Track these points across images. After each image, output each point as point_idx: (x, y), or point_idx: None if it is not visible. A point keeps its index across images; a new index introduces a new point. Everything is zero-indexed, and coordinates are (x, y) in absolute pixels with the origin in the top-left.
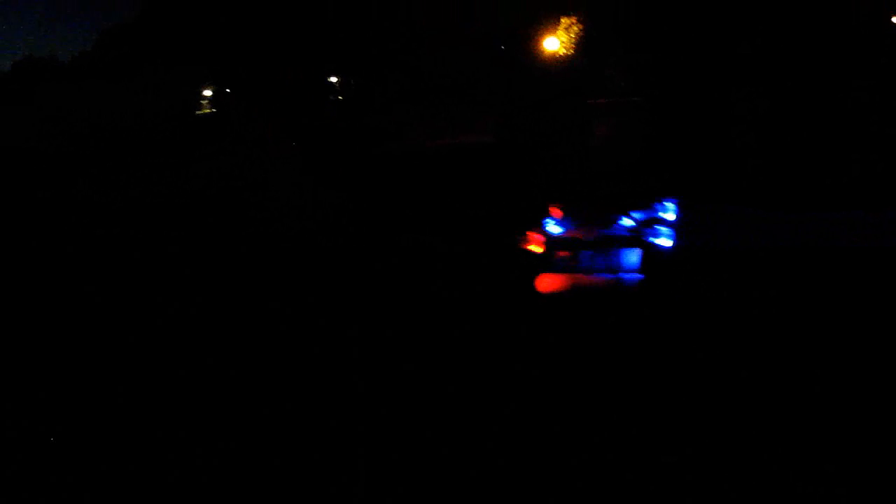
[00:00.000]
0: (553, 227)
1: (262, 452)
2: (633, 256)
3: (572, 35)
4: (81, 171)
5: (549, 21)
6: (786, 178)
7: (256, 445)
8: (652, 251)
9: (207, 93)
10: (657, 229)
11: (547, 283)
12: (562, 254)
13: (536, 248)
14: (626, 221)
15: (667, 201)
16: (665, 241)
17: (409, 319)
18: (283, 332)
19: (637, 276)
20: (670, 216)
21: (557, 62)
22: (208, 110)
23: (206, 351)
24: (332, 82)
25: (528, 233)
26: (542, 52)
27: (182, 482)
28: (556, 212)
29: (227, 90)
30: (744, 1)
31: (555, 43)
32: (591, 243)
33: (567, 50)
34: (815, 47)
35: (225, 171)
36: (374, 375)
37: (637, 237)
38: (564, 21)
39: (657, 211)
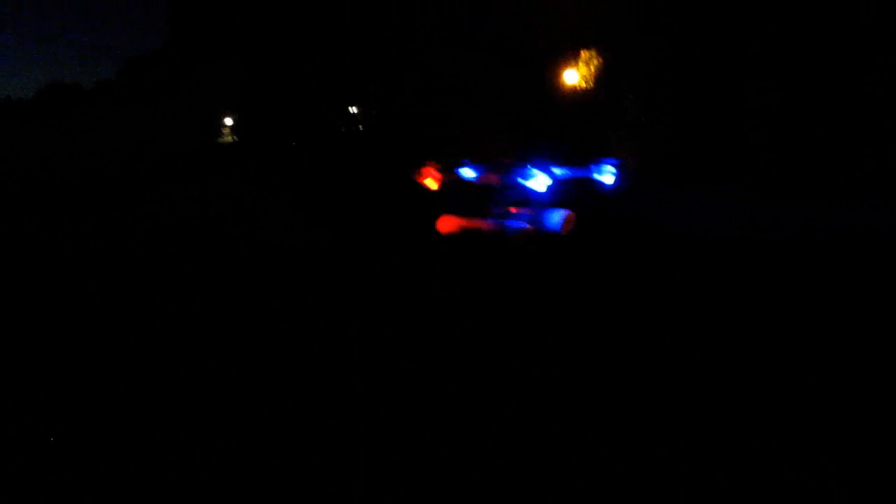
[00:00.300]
0: (467, 171)
1: (263, 452)
2: (526, 207)
3: (592, 67)
4: (83, 201)
5: (570, 53)
6: (799, 171)
7: (256, 445)
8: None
9: (229, 121)
10: (529, 172)
11: (446, 224)
12: (460, 195)
13: (431, 184)
14: (529, 170)
15: (606, 162)
16: (537, 185)
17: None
18: (282, 332)
19: (520, 224)
20: (607, 178)
21: (578, 92)
22: (230, 138)
23: (206, 351)
24: (353, 113)
25: (423, 168)
26: (564, 83)
27: (182, 482)
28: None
29: (247, 119)
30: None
31: (575, 75)
32: (487, 189)
33: (587, 82)
34: (827, 42)
35: (230, 207)
36: (374, 375)
37: (514, 183)
38: (584, 54)
39: (592, 172)
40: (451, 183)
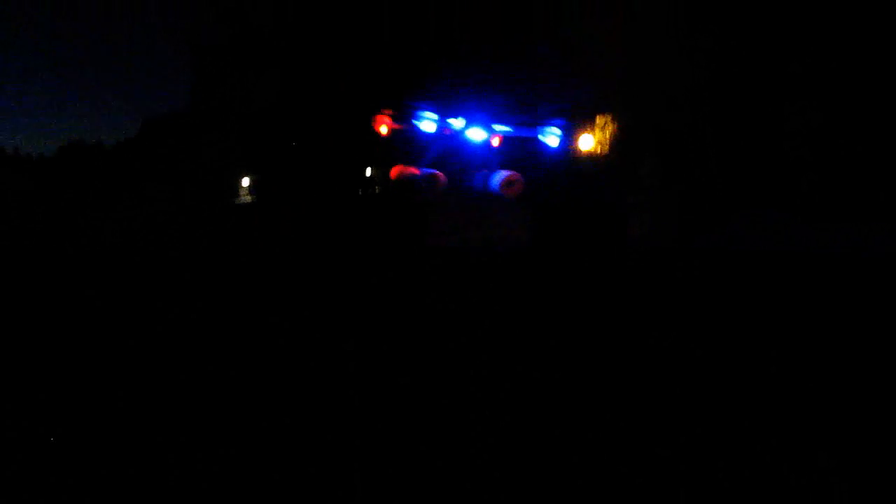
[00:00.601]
0: (426, 125)
1: (260, 464)
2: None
3: (607, 133)
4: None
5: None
6: (841, 190)
7: (254, 458)
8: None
9: (246, 181)
10: (419, 114)
11: (393, 171)
12: (410, 144)
13: (383, 130)
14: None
15: (552, 123)
16: (427, 127)
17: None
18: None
19: (430, 171)
20: (552, 140)
21: (593, 157)
22: (248, 198)
23: (205, 362)
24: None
25: (377, 115)
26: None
27: (181, 487)
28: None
29: (265, 180)
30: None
31: (591, 140)
32: (432, 140)
33: (602, 147)
34: (869, 59)
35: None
36: (370, 389)
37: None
38: (600, 120)
39: (537, 132)
40: (404, 132)
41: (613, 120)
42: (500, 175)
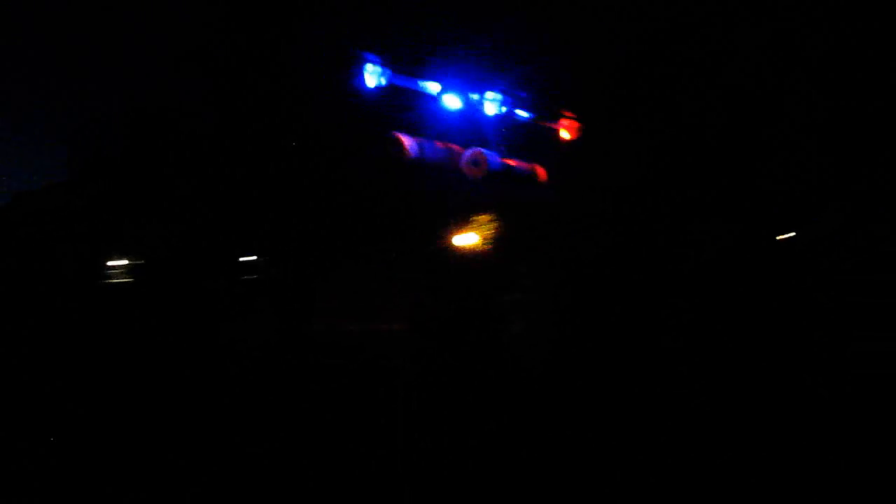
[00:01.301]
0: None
1: (262, 469)
2: None
3: (488, 231)
4: None
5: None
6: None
7: (256, 463)
8: None
9: (123, 262)
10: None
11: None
12: None
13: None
14: None
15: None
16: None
17: None
18: None
19: None
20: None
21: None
22: (123, 280)
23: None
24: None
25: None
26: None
27: (183, 484)
28: None
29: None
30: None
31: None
32: None
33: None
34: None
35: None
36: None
37: None
38: (482, 218)
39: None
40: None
41: (497, 217)
42: (467, 152)
